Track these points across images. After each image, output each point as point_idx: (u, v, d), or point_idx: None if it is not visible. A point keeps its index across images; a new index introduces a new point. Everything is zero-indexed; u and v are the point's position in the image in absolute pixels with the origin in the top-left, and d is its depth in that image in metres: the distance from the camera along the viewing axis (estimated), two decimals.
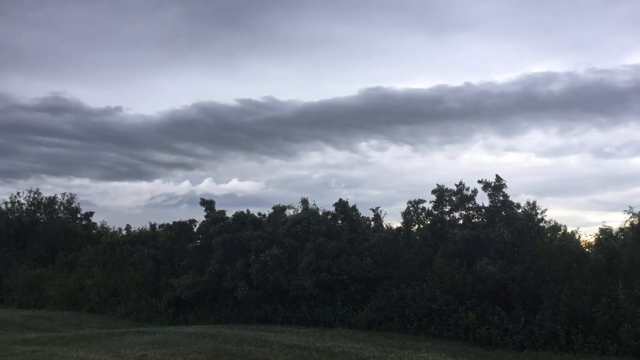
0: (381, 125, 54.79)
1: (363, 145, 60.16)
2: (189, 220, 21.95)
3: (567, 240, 15.53)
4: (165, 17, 64.11)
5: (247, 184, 60.34)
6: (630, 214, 15.80)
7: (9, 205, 31.84)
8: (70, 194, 33.48)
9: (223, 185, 59.01)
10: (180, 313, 18.97)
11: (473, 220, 16.77)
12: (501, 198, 16.42)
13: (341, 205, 18.94)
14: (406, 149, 59.70)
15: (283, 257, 17.43)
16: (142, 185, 62.25)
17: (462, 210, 17.07)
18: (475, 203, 16.96)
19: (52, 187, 76.52)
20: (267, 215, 21.03)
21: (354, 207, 18.96)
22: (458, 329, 14.27)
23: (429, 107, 50.29)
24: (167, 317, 18.80)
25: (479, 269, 14.48)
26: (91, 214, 34.20)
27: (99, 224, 32.70)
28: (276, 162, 63.13)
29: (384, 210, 19.79)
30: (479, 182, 16.72)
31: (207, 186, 56.21)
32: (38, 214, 32.01)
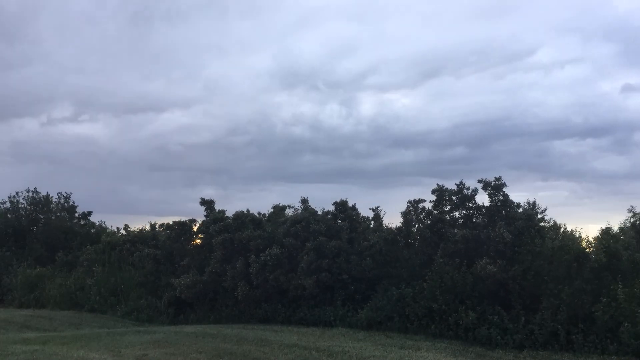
0: None
1: None
2: (189, 220, 21.94)
3: (568, 240, 15.55)
4: None
5: None
6: (632, 214, 15.86)
7: (8, 205, 31.78)
8: (66, 192, 33.30)
9: None
10: (180, 313, 18.97)
11: (473, 220, 16.77)
12: (501, 197, 16.43)
13: (341, 204, 18.95)
14: None
15: (283, 256, 17.42)
16: None
17: (462, 209, 17.07)
18: (475, 202, 16.97)
19: None
20: (267, 215, 21.06)
21: (353, 207, 18.98)
22: (458, 328, 14.26)
23: None
24: (167, 317, 18.80)
25: (479, 268, 14.48)
26: (89, 213, 34.09)
27: (97, 223, 32.63)
28: None
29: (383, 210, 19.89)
30: (479, 181, 16.77)
31: None
32: (37, 214, 31.94)
